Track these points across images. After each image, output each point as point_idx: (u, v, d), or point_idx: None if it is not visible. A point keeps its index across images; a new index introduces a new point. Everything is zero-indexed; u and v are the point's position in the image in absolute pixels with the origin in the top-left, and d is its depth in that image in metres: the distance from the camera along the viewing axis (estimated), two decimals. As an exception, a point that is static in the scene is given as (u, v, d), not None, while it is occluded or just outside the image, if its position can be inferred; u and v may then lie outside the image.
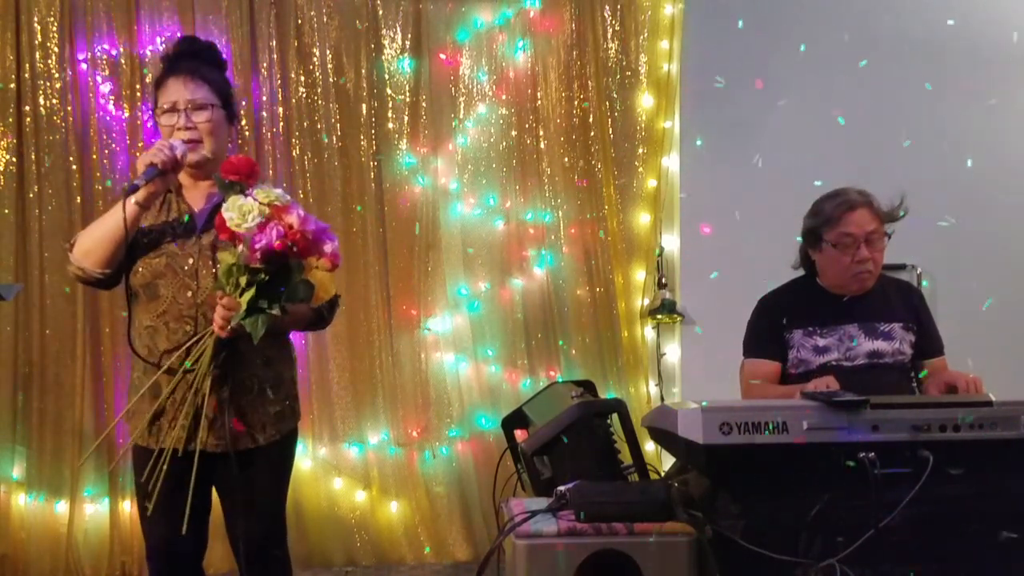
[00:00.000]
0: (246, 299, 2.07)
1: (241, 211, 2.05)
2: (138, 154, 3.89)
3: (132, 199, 2.17)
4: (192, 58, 2.38)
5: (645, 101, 4.19)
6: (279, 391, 2.39)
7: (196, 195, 2.37)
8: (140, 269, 2.29)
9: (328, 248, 2.14)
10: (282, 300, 2.10)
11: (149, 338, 2.29)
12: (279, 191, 2.11)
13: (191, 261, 2.28)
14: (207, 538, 2.43)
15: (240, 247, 2.08)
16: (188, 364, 2.21)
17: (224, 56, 2.52)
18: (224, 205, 2.08)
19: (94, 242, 2.26)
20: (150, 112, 2.50)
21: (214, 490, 2.41)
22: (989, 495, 2.07)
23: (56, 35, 3.84)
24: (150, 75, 3.87)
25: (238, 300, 2.09)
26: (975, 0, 4.24)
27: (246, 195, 2.09)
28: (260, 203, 2.06)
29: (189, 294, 2.26)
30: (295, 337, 3.77)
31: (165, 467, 2.21)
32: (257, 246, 2.04)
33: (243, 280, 2.08)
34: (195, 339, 2.22)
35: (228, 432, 2.27)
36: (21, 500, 3.85)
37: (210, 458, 2.29)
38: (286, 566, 2.49)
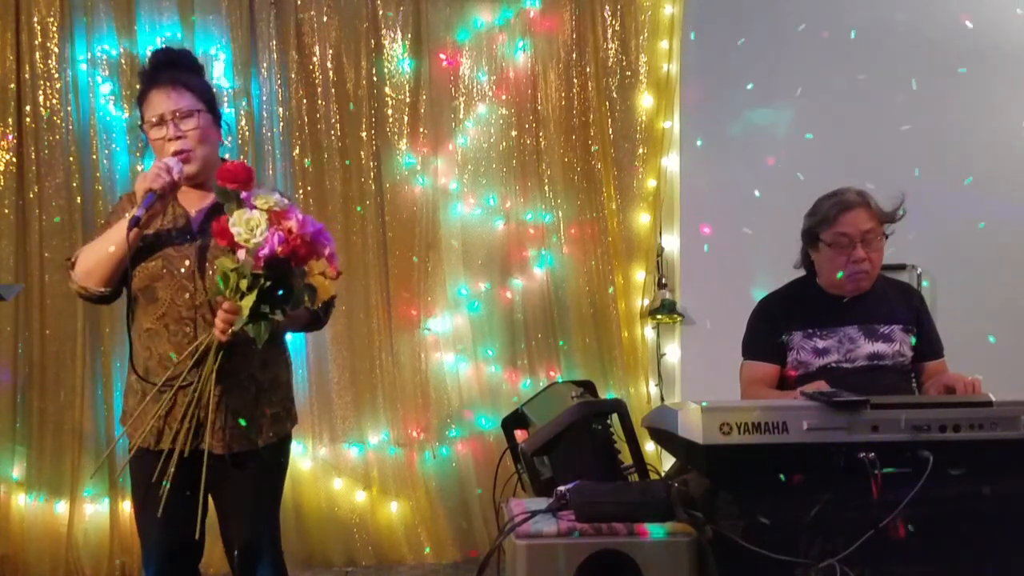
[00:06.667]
0: (247, 303, 2.07)
1: (248, 225, 2.04)
2: (138, 154, 3.90)
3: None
4: (170, 67, 2.35)
5: (645, 101, 4.18)
6: (276, 393, 2.39)
7: (191, 198, 2.36)
8: (137, 273, 2.28)
9: (326, 250, 2.14)
10: (289, 306, 2.10)
11: (149, 340, 2.28)
12: (276, 196, 2.09)
13: (188, 263, 2.27)
14: (204, 542, 2.41)
15: (241, 254, 2.07)
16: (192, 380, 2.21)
17: (199, 60, 2.49)
18: (231, 220, 2.05)
19: (94, 263, 2.25)
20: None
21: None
22: (989, 495, 2.06)
23: (56, 35, 3.84)
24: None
25: (239, 304, 2.09)
26: None
27: (245, 201, 2.07)
28: (260, 210, 2.05)
29: (187, 296, 2.26)
30: (295, 338, 3.78)
31: (172, 469, 2.20)
32: (261, 254, 2.03)
33: (243, 284, 2.07)
34: (196, 345, 2.22)
35: (228, 433, 2.27)
36: (21, 500, 3.85)
37: (208, 459, 2.28)
38: (280, 569, 2.48)
